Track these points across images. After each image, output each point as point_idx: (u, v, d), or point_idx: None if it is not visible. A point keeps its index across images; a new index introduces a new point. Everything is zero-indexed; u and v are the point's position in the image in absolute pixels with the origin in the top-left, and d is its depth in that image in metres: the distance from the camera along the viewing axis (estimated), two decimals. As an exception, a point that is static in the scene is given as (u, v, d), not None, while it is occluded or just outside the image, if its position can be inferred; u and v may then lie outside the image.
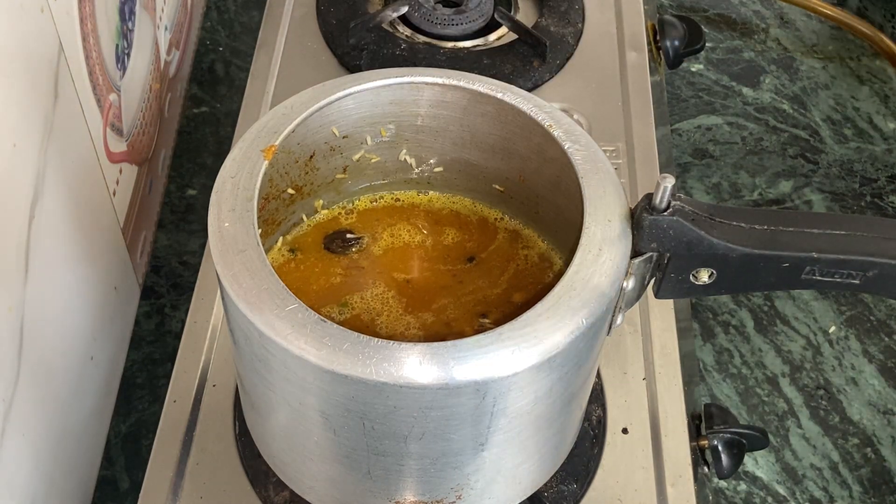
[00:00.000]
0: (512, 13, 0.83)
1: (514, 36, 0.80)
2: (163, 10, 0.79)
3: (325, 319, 0.40)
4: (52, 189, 0.56)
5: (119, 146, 0.68)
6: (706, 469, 0.61)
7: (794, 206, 0.88)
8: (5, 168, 0.50)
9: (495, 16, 0.80)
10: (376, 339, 0.40)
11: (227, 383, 0.60)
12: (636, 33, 0.83)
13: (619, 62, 0.80)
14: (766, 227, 0.43)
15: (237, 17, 0.97)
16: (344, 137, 0.51)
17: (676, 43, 0.84)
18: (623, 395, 0.61)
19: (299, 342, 0.40)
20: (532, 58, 0.79)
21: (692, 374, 0.65)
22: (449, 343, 0.40)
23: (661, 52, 0.84)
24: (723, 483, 0.70)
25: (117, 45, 0.66)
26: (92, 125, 0.62)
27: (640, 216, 0.43)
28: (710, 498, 0.62)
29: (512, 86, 0.50)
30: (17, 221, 0.52)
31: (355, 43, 0.78)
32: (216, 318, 0.63)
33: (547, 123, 0.48)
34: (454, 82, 0.50)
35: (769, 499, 0.70)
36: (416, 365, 0.39)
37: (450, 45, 0.79)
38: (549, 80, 0.78)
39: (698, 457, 0.61)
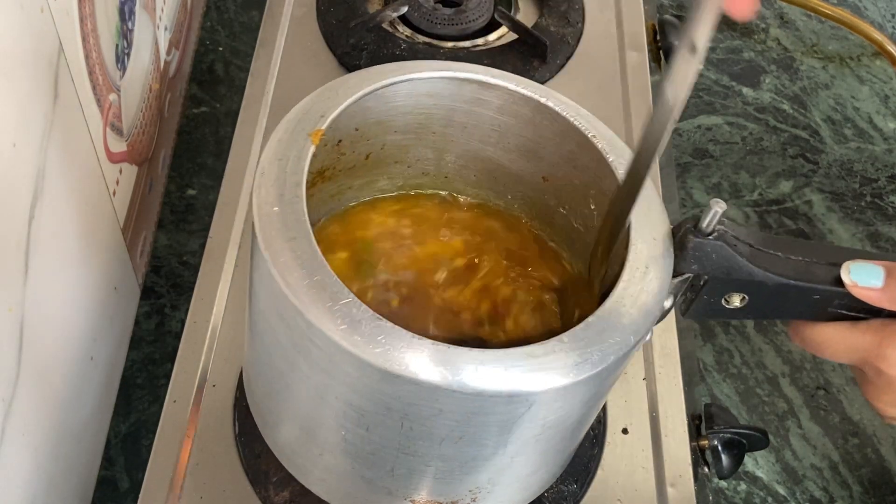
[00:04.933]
0: (512, 13, 0.83)
1: (514, 36, 0.80)
2: (163, 10, 0.79)
3: (380, 317, 0.39)
4: (52, 189, 0.56)
5: (119, 146, 0.68)
6: (706, 469, 0.61)
7: (794, 206, 0.88)
8: (5, 168, 0.50)
9: (495, 16, 0.80)
10: (432, 342, 0.39)
11: (227, 383, 0.60)
12: (636, 33, 0.83)
13: (619, 62, 0.80)
14: (801, 258, 0.44)
15: (237, 17, 0.97)
16: (374, 125, 0.51)
17: (676, 43, 0.84)
18: (623, 395, 0.62)
19: (354, 338, 0.39)
20: (532, 58, 0.78)
21: (692, 374, 0.65)
22: (501, 351, 0.40)
23: (661, 52, 0.84)
24: (723, 483, 0.70)
25: (117, 45, 0.66)
26: (92, 125, 0.62)
27: (685, 237, 0.44)
28: (710, 498, 0.62)
29: (554, 91, 0.50)
30: (17, 221, 0.52)
31: (355, 43, 0.78)
32: (216, 318, 0.63)
33: (591, 134, 0.48)
34: (497, 81, 0.49)
35: (769, 499, 0.70)
36: (471, 370, 0.39)
37: (450, 45, 0.79)
38: (549, 80, 0.78)
39: (698, 457, 0.61)
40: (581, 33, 0.82)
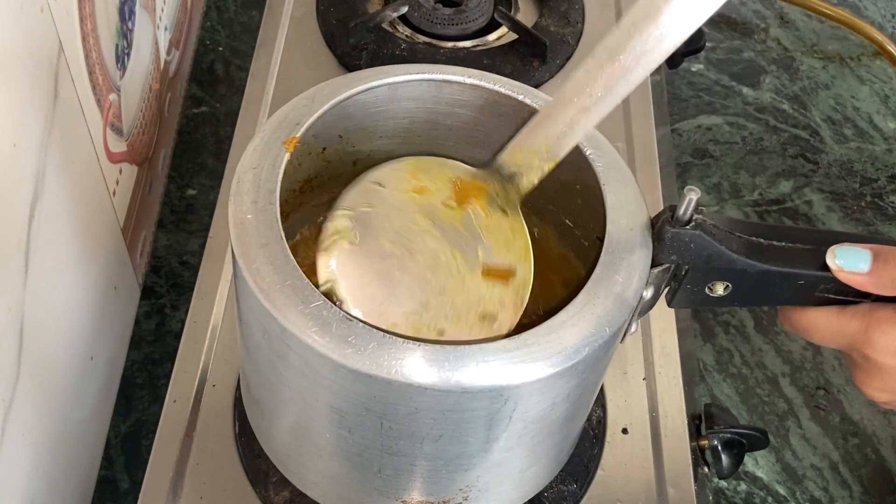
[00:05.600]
0: (512, 13, 0.83)
1: (514, 36, 0.80)
2: (163, 10, 0.79)
3: (351, 317, 0.40)
4: (52, 189, 0.56)
5: (119, 146, 0.68)
6: (706, 469, 0.61)
7: (794, 206, 0.88)
8: (5, 168, 0.50)
9: (495, 16, 0.80)
10: (402, 340, 0.39)
11: (227, 383, 0.60)
12: (636, 33, 0.83)
13: (619, 62, 0.80)
14: (783, 244, 0.44)
15: (237, 17, 0.97)
16: (358, 131, 0.51)
17: (676, 43, 0.84)
18: (623, 395, 0.62)
19: (324, 340, 0.39)
20: (532, 58, 0.79)
21: (692, 374, 0.65)
22: (475, 346, 0.40)
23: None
24: (723, 483, 0.70)
25: (117, 45, 0.66)
26: (92, 125, 0.62)
27: (663, 228, 0.43)
28: (710, 498, 0.62)
29: (533, 88, 0.50)
30: (17, 221, 0.52)
31: (355, 43, 0.78)
32: (216, 318, 0.63)
33: None
34: (475, 81, 0.49)
35: (769, 499, 0.70)
36: (442, 368, 0.39)
37: (450, 45, 0.79)
38: (549, 80, 0.78)
39: (698, 457, 0.61)
40: (581, 33, 0.82)
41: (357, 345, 0.39)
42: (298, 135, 0.45)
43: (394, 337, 0.40)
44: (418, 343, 0.39)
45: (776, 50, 1.01)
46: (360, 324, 0.40)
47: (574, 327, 0.41)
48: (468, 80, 0.49)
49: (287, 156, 0.45)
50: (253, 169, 0.44)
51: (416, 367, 0.39)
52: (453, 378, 0.39)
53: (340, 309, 0.40)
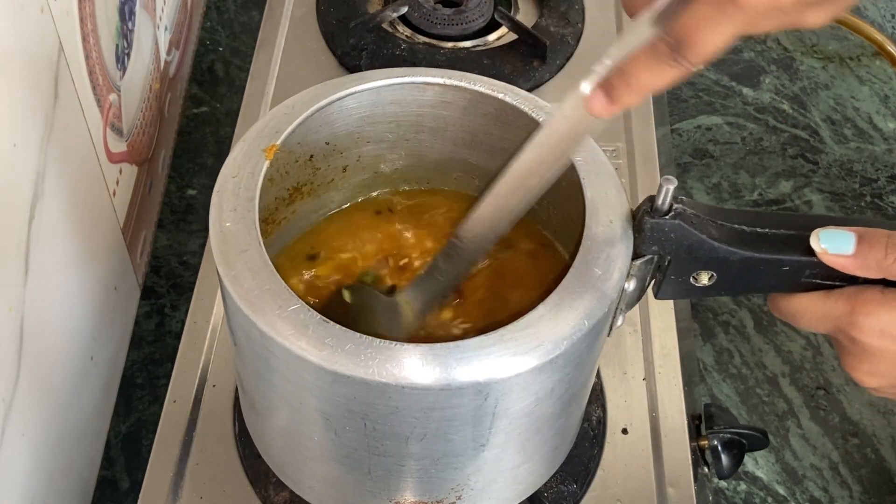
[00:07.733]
0: (512, 13, 0.83)
1: (514, 36, 0.80)
2: (163, 10, 0.79)
3: (328, 320, 0.40)
4: (52, 189, 0.56)
5: (119, 146, 0.68)
6: (706, 469, 0.61)
7: (794, 206, 0.88)
8: (5, 168, 0.50)
9: (495, 16, 0.80)
10: (378, 340, 0.40)
11: (227, 383, 0.61)
12: (636, 33, 0.83)
13: (619, 62, 0.80)
14: (766, 231, 0.43)
15: (237, 17, 0.97)
16: (345, 138, 0.51)
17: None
18: (623, 395, 0.62)
19: (301, 342, 0.40)
20: (532, 58, 0.79)
21: (692, 374, 0.65)
22: (451, 344, 0.40)
23: (661, 52, 0.84)
24: (723, 483, 0.70)
25: (117, 45, 0.66)
26: (92, 125, 0.62)
27: (642, 219, 0.43)
28: (710, 498, 0.62)
29: (513, 86, 0.50)
30: (17, 221, 0.52)
31: (355, 43, 0.78)
32: (216, 318, 0.63)
33: None
34: (455, 82, 0.50)
35: (769, 499, 0.70)
36: (418, 366, 0.39)
37: (450, 45, 0.79)
38: (548, 80, 0.78)
39: (698, 457, 0.61)
40: (581, 33, 0.82)
41: (334, 346, 0.40)
42: (278, 142, 0.46)
43: (370, 337, 0.40)
44: (394, 343, 0.40)
45: (776, 50, 1.01)
46: (337, 326, 0.40)
47: (552, 321, 0.41)
48: (448, 82, 0.50)
49: (266, 164, 0.45)
50: (233, 178, 0.45)
51: (393, 366, 0.39)
52: (431, 375, 0.39)
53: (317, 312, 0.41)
